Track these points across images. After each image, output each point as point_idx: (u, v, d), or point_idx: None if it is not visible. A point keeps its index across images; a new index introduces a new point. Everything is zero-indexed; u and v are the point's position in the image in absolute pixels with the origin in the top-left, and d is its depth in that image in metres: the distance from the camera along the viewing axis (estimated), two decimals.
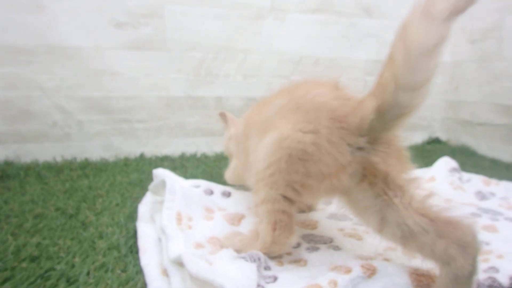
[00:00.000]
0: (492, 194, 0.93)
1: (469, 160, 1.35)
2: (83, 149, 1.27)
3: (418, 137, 1.65)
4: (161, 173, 0.86)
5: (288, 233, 0.55)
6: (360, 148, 0.49)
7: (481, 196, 0.93)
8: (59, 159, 1.25)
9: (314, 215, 0.80)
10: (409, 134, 1.63)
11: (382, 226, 0.51)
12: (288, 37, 1.39)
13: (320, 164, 0.50)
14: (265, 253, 0.57)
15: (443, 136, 1.66)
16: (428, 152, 1.48)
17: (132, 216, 0.79)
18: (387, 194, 0.49)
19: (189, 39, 1.29)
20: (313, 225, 0.75)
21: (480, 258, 0.62)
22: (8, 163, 1.16)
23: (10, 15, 1.12)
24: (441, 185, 0.99)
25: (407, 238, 0.49)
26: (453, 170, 1.05)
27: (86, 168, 1.18)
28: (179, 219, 0.70)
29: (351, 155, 0.49)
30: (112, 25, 1.22)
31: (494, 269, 0.56)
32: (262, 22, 1.36)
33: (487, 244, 0.67)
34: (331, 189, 0.52)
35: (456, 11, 0.41)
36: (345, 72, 1.49)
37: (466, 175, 1.06)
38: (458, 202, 0.89)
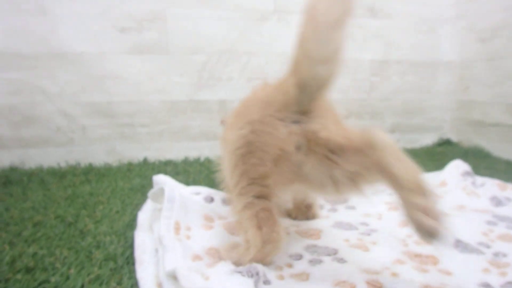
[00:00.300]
0: (509, 199, 0.89)
1: (483, 162, 1.30)
2: (87, 154, 1.26)
3: (428, 139, 1.60)
4: (161, 179, 0.84)
5: (273, 225, 0.55)
6: (296, 121, 0.52)
7: (497, 201, 0.89)
8: (63, 164, 1.25)
9: (318, 224, 0.77)
10: (419, 136, 1.59)
11: (337, 187, 0.54)
12: (291, 39, 1.36)
13: (264, 146, 0.53)
14: (261, 260, 0.55)
15: (454, 138, 1.61)
16: (439, 154, 1.44)
17: (132, 224, 0.77)
18: (331, 158, 0.52)
19: (192, 42, 1.28)
20: (317, 235, 0.72)
21: (496, 271, 0.59)
22: (12, 169, 1.16)
23: (14, 21, 1.12)
24: (454, 191, 0.95)
25: (359, 182, 0.52)
26: (466, 174, 1.01)
27: (89, 173, 1.17)
28: (177, 228, 0.69)
29: (287, 128, 0.52)
30: (115, 30, 1.21)
31: None
32: (265, 24, 1.33)
33: (504, 255, 0.64)
34: (288, 172, 0.54)
35: None
36: (350, 73, 1.46)
37: (479, 179, 1.01)
38: (471, 209, 0.85)
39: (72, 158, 1.26)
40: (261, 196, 0.56)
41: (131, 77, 1.25)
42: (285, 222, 0.78)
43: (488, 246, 0.66)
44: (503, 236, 0.70)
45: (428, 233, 0.45)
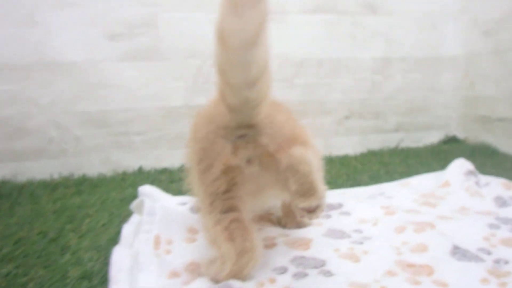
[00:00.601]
0: None
1: (490, 160, 1.24)
2: (81, 164, 1.25)
3: (434, 137, 1.54)
4: (146, 191, 0.81)
5: (245, 235, 0.53)
6: (241, 136, 0.50)
7: (501, 202, 0.83)
8: (56, 176, 1.23)
9: (309, 232, 0.73)
10: (424, 135, 1.53)
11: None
12: (288, 39, 1.33)
13: (212, 163, 0.52)
14: (239, 273, 0.52)
15: (460, 135, 1.54)
16: (445, 152, 1.38)
17: (116, 238, 0.74)
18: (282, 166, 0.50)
19: (186, 46, 1.25)
20: (306, 245, 0.68)
21: (495, 282, 0.54)
22: (4, 182, 1.15)
23: (5, 31, 1.11)
24: (457, 192, 0.90)
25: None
26: (469, 173, 0.95)
27: (82, 184, 1.15)
28: (157, 243, 0.66)
29: (232, 144, 0.50)
30: (107, 37, 1.19)
31: None
32: None
33: (506, 262, 0.59)
34: (248, 185, 0.54)
35: None
36: (351, 72, 1.41)
37: (484, 178, 0.96)
38: (474, 211, 0.80)
39: (66, 169, 1.24)
40: (228, 210, 0.54)
41: (124, 85, 1.23)
42: (274, 232, 0.74)
43: (489, 253, 0.61)
44: (506, 240, 0.65)
45: None
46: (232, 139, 0.50)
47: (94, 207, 0.95)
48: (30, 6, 1.11)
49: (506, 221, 0.73)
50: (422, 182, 1.01)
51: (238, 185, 0.54)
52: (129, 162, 1.29)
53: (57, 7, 1.14)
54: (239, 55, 0.40)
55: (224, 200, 0.54)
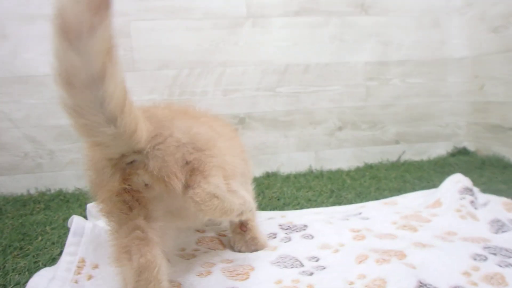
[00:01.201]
0: None
1: (501, 174, 1.08)
2: (56, 179, 1.21)
3: (441, 149, 1.39)
4: (89, 208, 0.76)
5: (142, 250, 0.47)
6: (131, 162, 0.46)
7: (498, 226, 0.70)
8: (32, 191, 1.20)
9: (255, 259, 0.63)
10: (429, 146, 1.38)
11: None
12: (270, 45, 1.25)
13: (102, 184, 0.48)
14: None
15: (470, 146, 1.38)
16: (450, 166, 1.23)
17: (57, 259, 0.69)
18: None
19: (160, 56, 1.20)
20: (245, 274, 0.58)
21: None
22: None
23: None
24: (446, 213, 0.77)
25: None
26: (465, 190, 0.82)
27: (54, 200, 1.11)
28: (80, 267, 0.60)
29: (122, 171, 0.47)
30: None
31: None
32: (239, 31, 1.23)
33: None
34: (154, 208, 0.50)
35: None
36: (341, 78, 1.30)
37: (482, 197, 0.82)
38: (461, 237, 0.67)
39: (43, 184, 1.21)
40: (130, 231, 0.49)
41: None
42: (216, 258, 0.65)
43: None
44: (490, 276, 0.52)
45: None
46: (122, 166, 0.47)
47: (54, 223, 0.90)
48: (0, 19, 1.10)
49: (497, 250, 0.60)
50: (410, 201, 0.88)
51: (141, 207, 0.49)
52: None
53: (27, 20, 1.12)
54: (88, 96, 0.36)
55: (124, 224, 0.49)
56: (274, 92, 1.27)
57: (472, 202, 0.78)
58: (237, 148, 0.65)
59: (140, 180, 0.47)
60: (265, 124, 1.29)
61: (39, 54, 1.14)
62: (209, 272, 0.59)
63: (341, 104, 1.32)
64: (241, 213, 0.53)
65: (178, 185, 0.47)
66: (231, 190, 0.51)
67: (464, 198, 0.79)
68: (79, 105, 0.37)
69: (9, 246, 0.76)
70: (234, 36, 1.23)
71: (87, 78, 0.35)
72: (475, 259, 0.57)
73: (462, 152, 1.36)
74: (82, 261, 0.61)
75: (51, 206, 1.05)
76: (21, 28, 1.12)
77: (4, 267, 0.67)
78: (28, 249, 0.75)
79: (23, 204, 1.08)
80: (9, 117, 1.16)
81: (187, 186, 0.48)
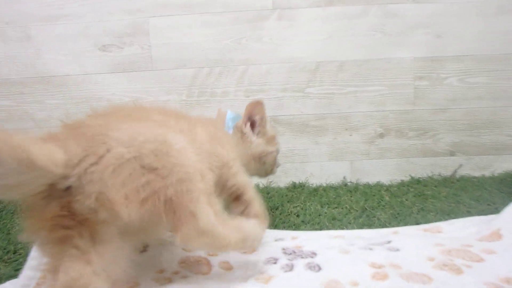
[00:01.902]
0: None
1: None
2: None
3: (509, 163, 1.13)
4: None
5: (74, 264, 0.42)
6: (67, 188, 0.41)
7: None
8: None
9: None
10: (495, 159, 1.14)
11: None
12: (299, 40, 1.11)
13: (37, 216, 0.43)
14: None
15: None
16: None
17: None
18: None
19: (178, 55, 1.12)
20: None
21: None
22: None
23: (1, 49, 1.13)
24: (507, 251, 0.57)
25: None
26: None
27: None
28: (40, 283, 0.52)
29: (57, 198, 0.42)
30: (97, 48, 1.13)
31: None
32: (263, 25, 1.11)
33: None
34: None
35: None
36: (384, 77, 1.12)
37: None
38: None
39: None
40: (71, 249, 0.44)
41: (114, 98, 1.15)
42: None
43: None
44: None
45: None
46: (58, 194, 0.42)
47: None
48: (24, 21, 1.11)
49: None
50: (459, 229, 0.68)
51: (85, 228, 0.43)
52: None
53: (50, 21, 1.11)
54: None
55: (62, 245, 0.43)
56: (303, 93, 1.13)
57: None
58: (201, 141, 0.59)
59: (82, 206, 0.41)
60: (293, 129, 1.15)
61: (60, 54, 1.13)
62: None
63: (384, 107, 1.13)
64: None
65: (125, 211, 0.42)
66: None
67: None
68: None
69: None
70: (258, 30, 1.11)
71: None
72: None
73: None
74: (44, 277, 0.54)
75: None
76: (43, 30, 1.12)
77: None
78: (4, 259, 0.71)
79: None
80: (33, 117, 1.16)
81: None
